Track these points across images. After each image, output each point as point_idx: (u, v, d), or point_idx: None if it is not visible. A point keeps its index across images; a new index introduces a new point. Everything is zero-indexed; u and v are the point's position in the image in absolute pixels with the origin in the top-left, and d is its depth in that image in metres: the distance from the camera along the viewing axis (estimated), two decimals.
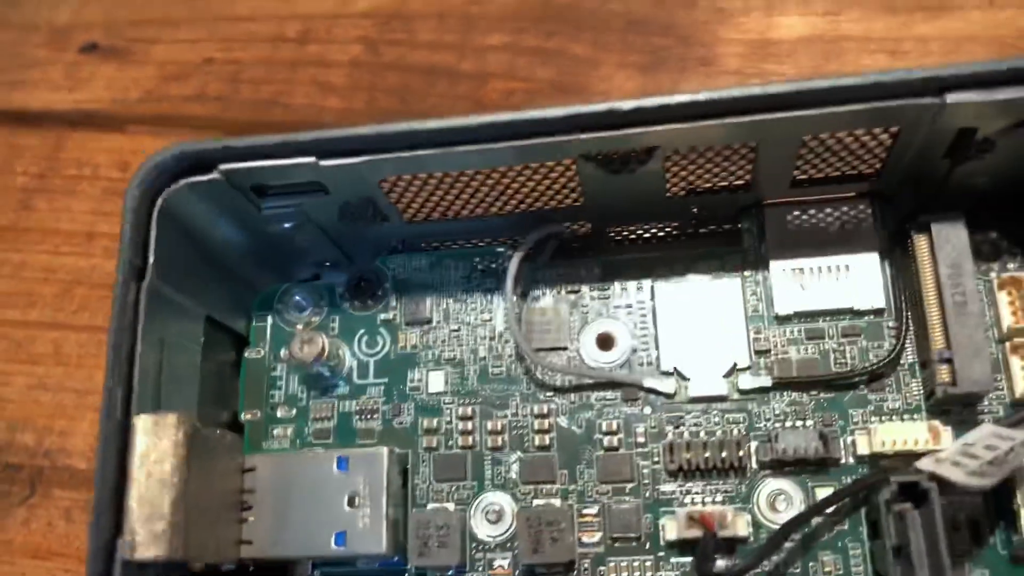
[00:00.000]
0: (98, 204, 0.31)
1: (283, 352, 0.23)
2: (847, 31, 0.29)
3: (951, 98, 0.18)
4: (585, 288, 0.23)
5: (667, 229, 0.23)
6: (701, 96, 0.19)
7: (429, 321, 0.23)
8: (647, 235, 0.23)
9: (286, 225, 0.22)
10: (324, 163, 0.20)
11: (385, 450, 0.21)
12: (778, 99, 0.19)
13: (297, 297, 0.23)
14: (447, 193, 0.21)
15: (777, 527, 0.20)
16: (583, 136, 0.19)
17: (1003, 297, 0.21)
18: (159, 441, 0.18)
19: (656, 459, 0.21)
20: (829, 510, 0.20)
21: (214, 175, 0.20)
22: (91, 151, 0.32)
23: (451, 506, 0.21)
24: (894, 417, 0.21)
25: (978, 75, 0.18)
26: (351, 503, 0.20)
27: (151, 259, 0.19)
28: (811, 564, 0.20)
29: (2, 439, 0.27)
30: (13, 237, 0.31)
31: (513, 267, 0.22)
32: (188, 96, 0.33)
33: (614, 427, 0.22)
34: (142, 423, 0.18)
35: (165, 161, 0.19)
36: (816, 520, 0.20)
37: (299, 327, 0.23)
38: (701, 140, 0.19)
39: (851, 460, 0.21)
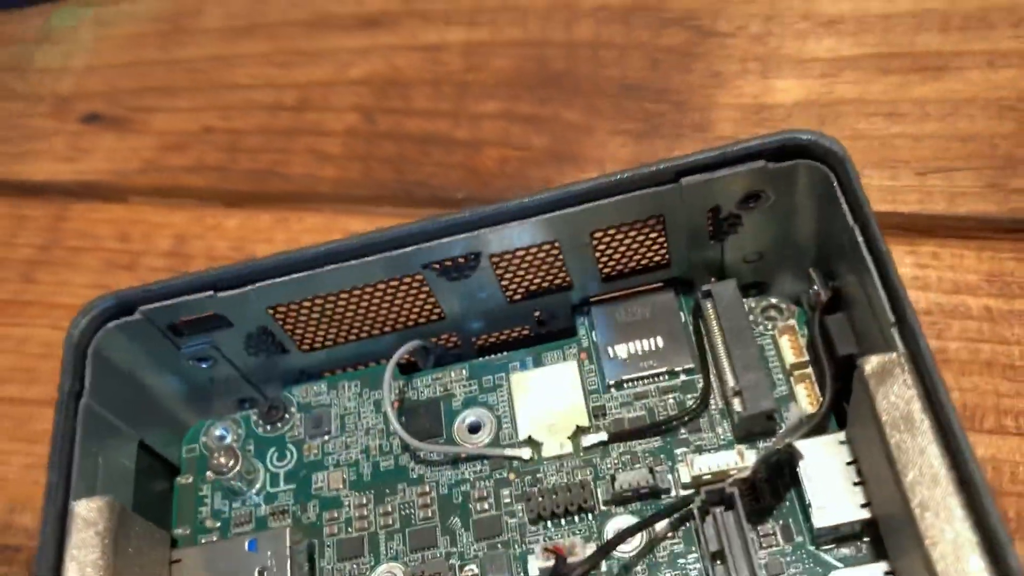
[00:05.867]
0: (99, 277, 0.33)
1: (208, 474, 0.27)
2: (844, 94, 0.32)
3: (685, 181, 0.23)
4: (456, 386, 0.27)
5: (518, 333, 0.28)
6: (509, 205, 0.24)
7: (328, 432, 0.27)
8: (504, 339, 0.28)
9: (203, 364, 0.27)
10: (220, 295, 0.25)
11: (287, 529, 0.24)
12: (561, 201, 0.24)
13: (219, 430, 0.28)
14: (330, 318, 0.26)
15: (623, 554, 0.24)
16: (420, 247, 0.25)
17: (784, 342, 0.25)
18: (88, 528, 0.22)
19: (521, 515, 0.25)
20: (658, 526, 0.24)
21: (136, 316, 0.25)
22: (92, 222, 0.35)
23: None
24: (710, 450, 0.25)
25: (705, 161, 0.24)
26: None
27: (87, 386, 0.24)
28: None
29: (1, 520, 0.30)
30: (15, 311, 0.33)
31: (387, 378, 0.26)
32: (187, 167, 0.35)
33: (485, 494, 0.25)
34: (80, 507, 0.22)
35: (96, 306, 0.24)
36: (656, 545, 0.24)
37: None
38: (509, 242, 0.25)
39: (678, 487, 0.24)
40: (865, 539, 0.22)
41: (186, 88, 0.39)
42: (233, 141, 0.37)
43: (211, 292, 0.24)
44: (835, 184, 0.22)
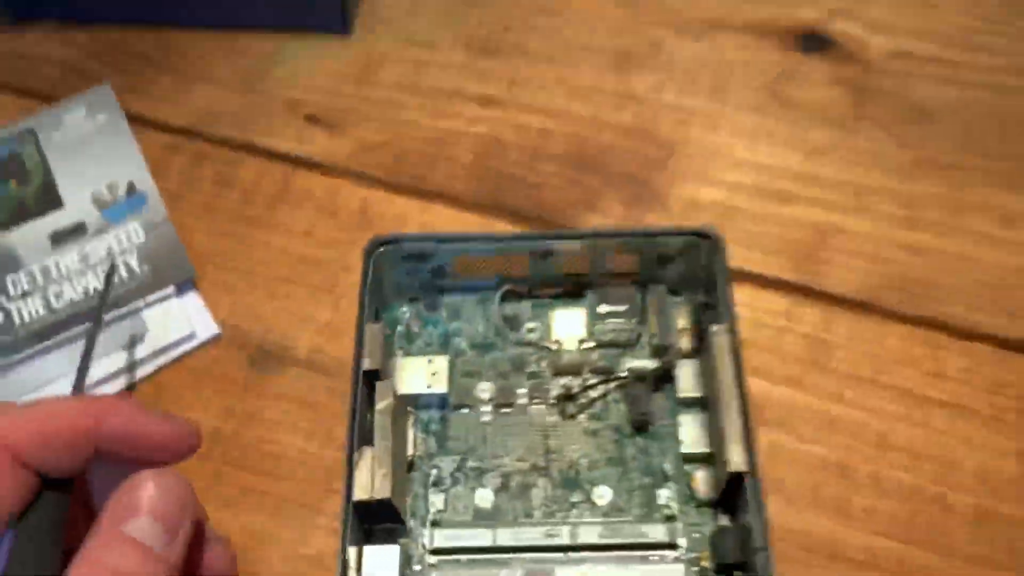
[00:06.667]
0: (315, 214, 0.55)
1: (399, 328, 0.55)
2: (736, 204, 0.56)
3: (659, 237, 0.52)
4: (523, 309, 0.56)
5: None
6: (570, 231, 0.53)
7: (460, 318, 0.55)
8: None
9: (409, 275, 0.54)
10: (437, 245, 0.52)
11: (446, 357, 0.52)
12: (587, 234, 0.52)
13: (404, 307, 0.55)
14: (474, 267, 0.54)
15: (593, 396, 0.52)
16: (526, 243, 0.53)
17: (680, 319, 0.54)
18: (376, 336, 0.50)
19: (547, 373, 0.53)
20: (609, 387, 0.52)
21: (394, 246, 0.52)
22: (311, 182, 0.56)
23: None
24: (639, 358, 0.54)
25: (666, 229, 0.52)
26: None
27: (369, 276, 0.51)
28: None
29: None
30: (260, 226, 0.56)
31: (497, 297, 0.54)
32: (372, 163, 0.56)
33: (535, 359, 0.54)
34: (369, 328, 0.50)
35: (379, 239, 0.52)
36: (607, 395, 0.52)
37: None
38: (563, 249, 0.53)
39: (622, 369, 0.53)
40: (699, 407, 0.51)
41: (371, 116, 0.65)
42: (400, 153, 0.59)
43: (435, 243, 0.52)
44: (716, 252, 0.51)
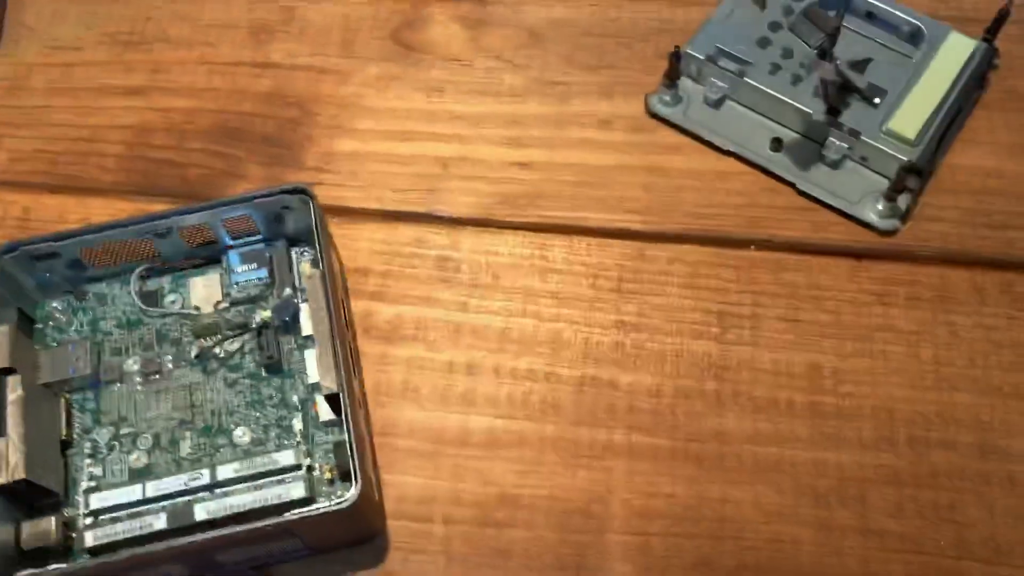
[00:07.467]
0: None
1: (50, 323, 0.59)
2: (361, 150, 0.67)
3: (274, 198, 0.58)
4: (165, 284, 0.61)
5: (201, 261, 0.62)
6: (192, 206, 0.58)
7: (106, 305, 0.60)
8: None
9: (47, 275, 0.59)
10: (58, 243, 0.57)
11: (86, 342, 0.58)
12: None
13: (55, 302, 0.60)
14: (110, 253, 0.60)
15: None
16: (151, 224, 0.58)
17: (304, 266, 0.61)
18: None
19: (189, 331, 0.59)
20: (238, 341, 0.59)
21: (18, 252, 0.57)
22: None
23: None
24: (267, 309, 0.60)
25: (282, 188, 0.58)
26: None
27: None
28: None
29: None
30: None
31: (134, 277, 0.60)
32: (26, 170, 0.63)
33: (175, 328, 0.60)
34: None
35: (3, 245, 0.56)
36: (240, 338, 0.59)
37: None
38: (198, 219, 0.59)
39: (255, 321, 0.60)
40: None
41: (23, 125, 0.69)
42: (54, 156, 0.68)
43: (49, 242, 0.57)
44: (309, 205, 0.58)
